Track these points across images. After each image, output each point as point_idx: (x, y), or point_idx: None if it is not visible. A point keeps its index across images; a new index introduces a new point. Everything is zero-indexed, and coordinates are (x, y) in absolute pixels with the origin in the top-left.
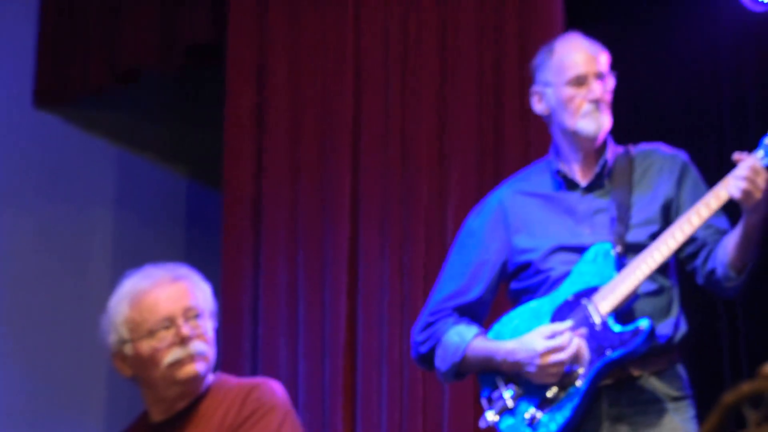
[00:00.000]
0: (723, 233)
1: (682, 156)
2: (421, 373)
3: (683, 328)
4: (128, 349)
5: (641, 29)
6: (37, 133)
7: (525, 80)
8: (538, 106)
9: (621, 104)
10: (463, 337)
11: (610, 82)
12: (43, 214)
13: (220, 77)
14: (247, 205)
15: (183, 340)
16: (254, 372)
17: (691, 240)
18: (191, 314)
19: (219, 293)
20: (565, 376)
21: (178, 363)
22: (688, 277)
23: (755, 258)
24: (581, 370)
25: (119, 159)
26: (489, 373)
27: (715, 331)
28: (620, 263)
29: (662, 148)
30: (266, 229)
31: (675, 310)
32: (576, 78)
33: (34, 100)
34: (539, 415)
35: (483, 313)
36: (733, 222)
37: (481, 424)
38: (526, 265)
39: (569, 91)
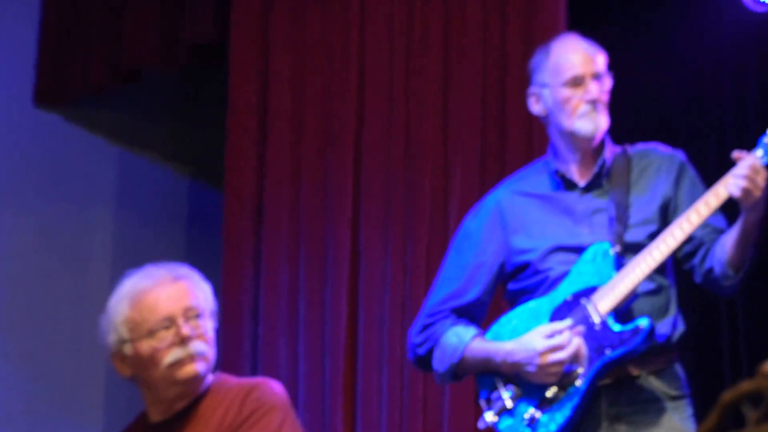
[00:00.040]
0: (720, 232)
1: (679, 156)
2: (421, 373)
3: (681, 328)
4: (128, 349)
5: (643, 29)
6: (38, 133)
7: (528, 81)
8: (536, 107)
9: (622, 104)
10: (461, 338)
11: (608, 83)
12: (43, 213)
13: (221, 77)
14: (248, 205)
15: (183, 340)
16: (254, 372)
17: (689, 239)
18: (191, 314)
19: (219, 293)
20: (564, 375)
21: (178, 363)
22: (686, 276)
23: (753, 256)
24: (581, 370)
25: (120, 158)
26: (487, 374)
27: (715, 331)
28: (619, 263)
29: (660, 148)
30: (267, 229)
31: (673, 309)
32: (573, 79)
33: (35, 99)
34: (538, 415)
35: (481, 314)
36: (731, 221)
37: (480, 425)
38: (525, 266)
39: (566, 91)
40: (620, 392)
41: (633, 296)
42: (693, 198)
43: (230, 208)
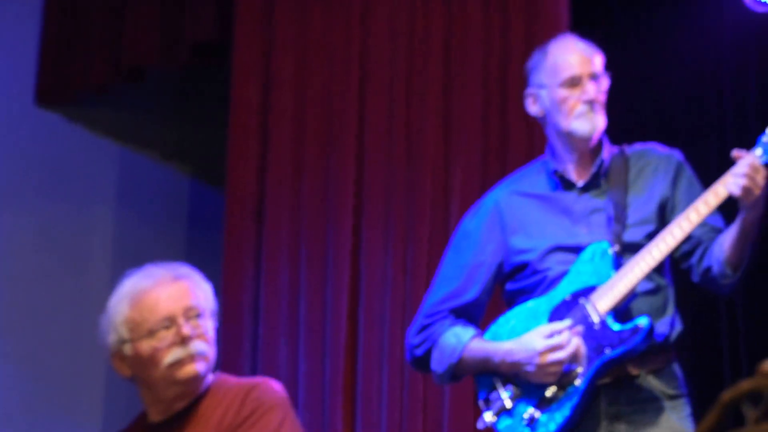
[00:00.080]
0: (718, 232)
1: (676, 156)
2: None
3: (679, 327)
4: (128, 349)
5: (644, 29)
6: (38, 132)
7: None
8: (533, 108)
9: (623, 104)
10: (459, 339)
11: (605, 83)
12: (44, 212)
13: (223, 76)
14: (249, 205)
15: (183, 340)
16: (254, 372)
17: (687, 238)
18: (192, 314)
19: (219, 293)
20: (563, 375)
21: (179, 363)
22: (686, 276)
23: (751, 255)
24: (580, 369)
25: (121, 158)
26: (486, 375)
27: (714, 330)
28: (617, 262)
29: (657, 148)
30: (268, 228)
31: (671, 308)
32: (570, 79)
33: (36, 98)
34: (538, 414)
35: (479, 314)
36: (728, 221)
37: (479, 425)
38: (523, 266)
39: (563, 92)
40: (619, 391)
41: (632, 295)
42: (690, 197)
43: (231, 208)
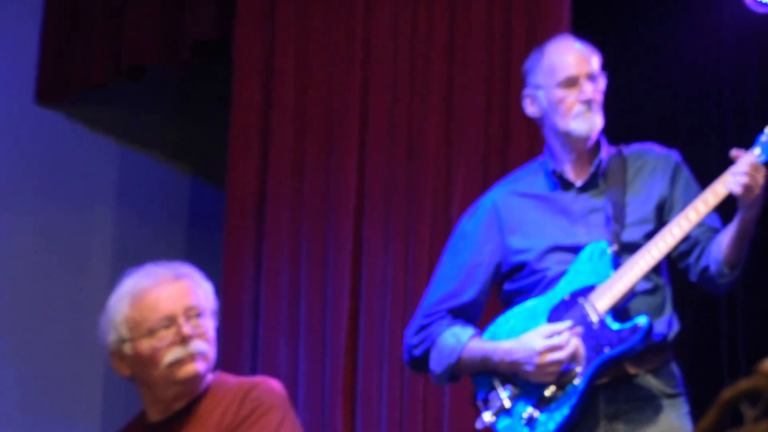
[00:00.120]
0: (716, 231)
1: (674, 156)
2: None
3: (676, 327)
4: (127, 348)
5: (644, 30)
6: (39, 130)
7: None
8: (530, 109)
9: (623, 104)
10: (458, 339)
11: (602, 83)
12: (43, 211)
13: (223, 75)
14: (249, 204)
15: (184, 340)
16: (254, 371)
17: (685, 238)
18: (192, 313)
19: (220, 292)
20: (562, 375)
21: (179, 362)
22: (685, 276)
23: (748, 254)
24: (579, 369)
25: (121, 157)
26: (484, 375)
27: (713, 330)
28: (616, 262)
29: (655, 149)
30: (269, 228)
31: (668, 308)
32: (567, 79)
33: (36, 97)
34: (537, 414)
35: (477, 314)
36: (725, 221)
37: (478, 426)
38: (521, 266)
39: (560, 92)
40: (618, 391)
41: (631, 295)
42: (688, 197)
43: (231, 208)
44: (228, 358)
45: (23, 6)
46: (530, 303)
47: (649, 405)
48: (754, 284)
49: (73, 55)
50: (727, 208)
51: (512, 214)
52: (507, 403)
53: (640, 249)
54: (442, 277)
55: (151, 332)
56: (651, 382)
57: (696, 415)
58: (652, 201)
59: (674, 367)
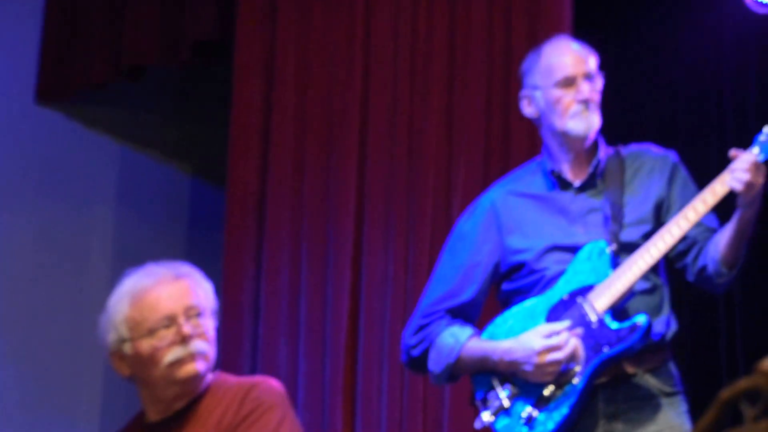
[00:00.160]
0: (713, 231)
1: (672, 157)
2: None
3: (674, 326)
4: (127, 348)
5: (645, 30)
6: (39, 130)
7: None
8: (528, 110)
9: (623, 104)
10: (457, 338)
11: (599, 83)
12: (43, 211)
13: (223, 75)
14: (250, 204)
15: (184, 339)
16: (254, 371)
17: (683, 238)
18: (192, 313)
19: (220, 292)
20: (561, 374)
21: (179, 362)
22: (681, 276)
23: (746, 254)
24: (578, 368)
25: (121, 156)
26: (483, 374)
27: (713, 329)
28: (615, 261)
29: (652, 149)
30: (269, 227)
31: (666, 308)
32: (564, 79)
33: (36, 96)
34: (536, 413)
35: (475, 314)
36: (722, 222)
37: (477, 425)
38: (520, 266)
39: (558, 92)
40: (617, 390)
41: (630, 294)
42: (685, 197)
43: (232, 207)
44: (228, 358)
45: (23, 6)
46: (529, 303)
47: (647, 404)
48: (753, 284)
49: (73, 55)
50: (725, 209)
51: (511, 214)
52: (506, 403)
53: (638, 249)
54: (441, 277)
55: (151, 332)
56: (650, 381)
57: (695, 414)
58: (650, 201)
59: (672, 367)
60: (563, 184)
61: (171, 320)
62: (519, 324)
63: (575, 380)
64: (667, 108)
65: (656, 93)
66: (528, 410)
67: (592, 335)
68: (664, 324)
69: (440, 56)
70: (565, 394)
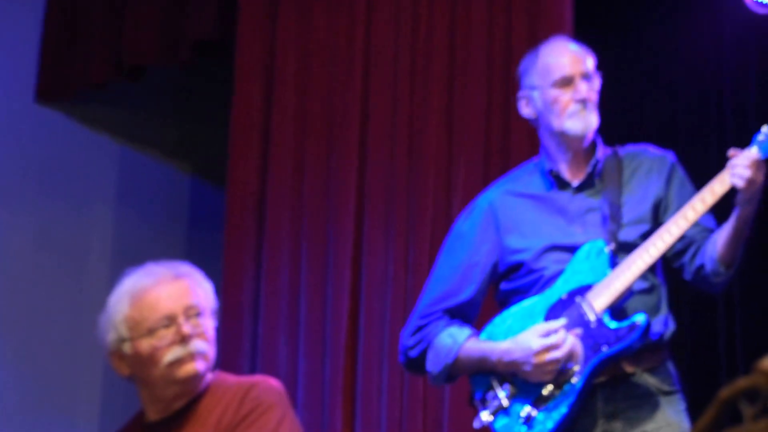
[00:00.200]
0: (710, 232)
1: (669, 157)
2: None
3: (672, 326)
4: (127, 347)
5: (645, 30)
6: (39, 130)
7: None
8: (526, 110)
9: (623, 103)
10: (455, 339)
11: (597, 83)
12: (43, 211)
13: (224, 74)
14: (250, 204)
15: (183, 339)
16: (253, 371)
17: (680, 237)
18: (192, 312)
19: (220, 292)
20: (560, 374)
21: (178, 362)
22: (679, 276)
23: (743, 254)
24: (576, 368)
25: (121, 156)
26: (481, 375)
27: (712, 328)
28: (613, 261)
29: (650, 150)
30: (269, 227)
31: (664, 308)
32: (562, 79)
33: (36, 96)
34: (534, 413)
35: (473, 314)
36: (719, 222)
37: (476, 425)
38: (518, 266)
39: (555, 92)
40: (616, 390)
41: (628, 294)
42: (683, 198)
43: (232, 207)
44: (228, 358)
45: (23, 5)
46: (528, 302)
47: (646, 402)
48: (752, 284)
49: (73, 55)
50: (722, 209)
51: (509, 214)
52: (505, 403)
53: (636, 248)
54: (439, 278)
55: (150, 331)
56: (648, 380)
57: (695, 414)
58: (648, 201)
59: (670, 366)
60: (561, 184)
61: (171, 320)
62: (518, 324)
63: (574, 380)
64: (667, 108)
65: (656, 93)
66: (527, 410)
67: (591, 335)
68: (663, 323)
69: (440, 56)
70: (564, 394)
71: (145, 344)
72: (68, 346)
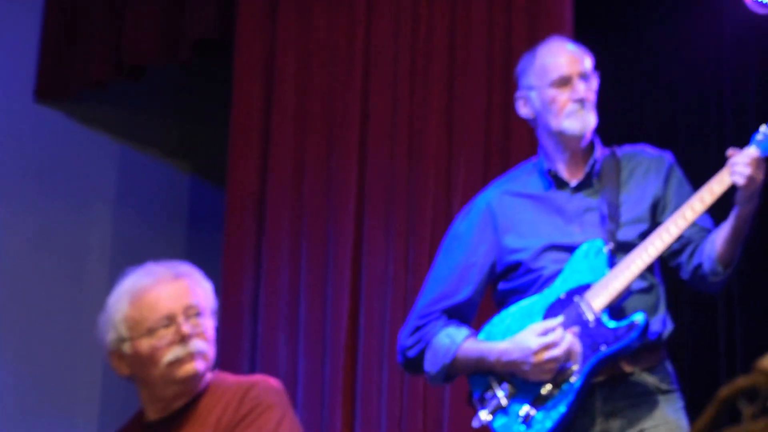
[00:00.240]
0: (707, 231)
1: (667, 157)
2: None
3: (670, 326)
4: (127, 347)
5: (645, 30)
6: (38, 129)
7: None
8: (524, 110)
9: (623, 104)
10: (453, 339)
11: (594, 82)
12: (42, 210)
13: (224, 74)
14: (250, 204)
15: (183, 339)
16: (253, 371)
17: (678, 236)
18: (192, 312)
19: (219, 292)
20: (559, 373)
21: (178, 361)
22: (678, 276)
23: (741, 254)
24: (575, 367)
25: (121, 156)
26: (480, 374)
27: (712, 328)
28: (612, 260)
29: (648, 150)
30: (269, 227)
31: (662, 307)
32: (560, 79)
33: (36, 95)
34: (533, 412)
35: (471, 314)
36: (718, 222)
37: (475, 424)
38: (517, 265)
39: (553, 91)
40: (614, 389)
41: (627, 293)
42: (681, 197)
43: (231, 207)
44: (228, 358)
45: (23, 5)
46: (526, 302)
47: (644, 401)
48: (752, 284)
49: (73, 54)
50: (721, 209)
51: (507, 213)
52: (504, 402)
53: (635, 248)
54: (436, 278)
55: (150, 331)
56: (647, 379)
57: (694, 413)
58: (647, 201)
59: (668, 365)
60: (559, 184)
61: (170, 320)
62: (516, 323)
63: (573, 379)
64: (667, 108)
65: (656, 93)
66: (525, 409)
67: (590, 334)
68: (661, 323)
69: (440, 56)
70: (562, 393)
71: (145, 344)
72: (68, 346)
